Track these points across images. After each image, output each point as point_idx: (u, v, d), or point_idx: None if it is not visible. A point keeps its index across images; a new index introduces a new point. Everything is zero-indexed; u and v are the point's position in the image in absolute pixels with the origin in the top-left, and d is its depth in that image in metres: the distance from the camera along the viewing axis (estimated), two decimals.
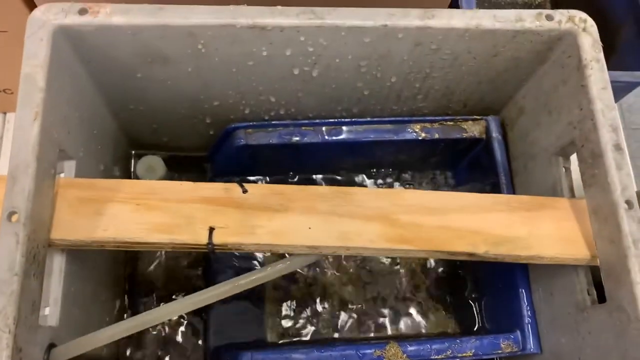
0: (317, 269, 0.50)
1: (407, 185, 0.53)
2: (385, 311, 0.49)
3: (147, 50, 0.36)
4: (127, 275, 0.49)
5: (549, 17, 0.36)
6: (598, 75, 0.35)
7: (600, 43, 0.36)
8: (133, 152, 0.51)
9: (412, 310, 0.49)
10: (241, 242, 0.34)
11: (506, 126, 0.47)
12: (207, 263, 0.48)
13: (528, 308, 0.42)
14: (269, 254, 0.49)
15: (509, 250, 0.35)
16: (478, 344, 0.41)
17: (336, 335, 0.48)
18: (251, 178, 0.51)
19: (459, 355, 0.41)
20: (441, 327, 0.49)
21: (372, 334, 0.48)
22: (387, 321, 0.49)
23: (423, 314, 0.49)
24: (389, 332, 0.49)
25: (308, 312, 0.48)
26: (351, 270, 0.50)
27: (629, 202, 0.33)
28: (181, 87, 0.41)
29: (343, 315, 0.49)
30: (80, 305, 0.38)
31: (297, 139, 0.44)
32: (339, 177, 0.53)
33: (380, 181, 0.53)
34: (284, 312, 0.48)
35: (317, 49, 0.37)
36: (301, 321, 0.48)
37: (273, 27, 0.35)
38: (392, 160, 0.51)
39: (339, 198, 0.36)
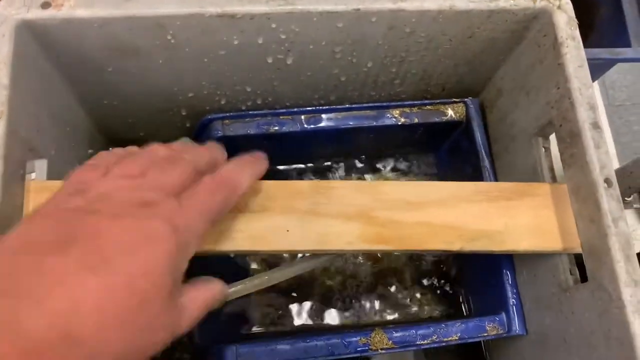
0: None
1: (390, 172, 0.53)
2: (371, 299, 0.49)
3: (116, 43, 0.35)
4: None
5: None
6: (574, 53, 0.35)
7: (575, 20, 0.36)
8: (110, 148, 0.50)
9: (398, 297, 0.49)
10: (219, 249, 0.33)
11: (486, 108, 0.47)
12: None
13: (513, 290, 0.42)
14: None
15: (484, 245, 0.35)
16: (463, 327, 0.41)
17: (322, 324, 0.48)
18: None
19: (445, 339, 0.40)
20: (427, 313, 0.49)
21: (358, 322, 0.48)
22: (372, 309, 0.49)
23: (409, 300, 0.49)
24: (375, 319, 0.49)
25: (294, 302, 0.48)
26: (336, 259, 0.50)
27: (607, 181, 0.33)
28: (154, 79, 0.40)
29: (329, 305, 0.48)
30: None
31: (276, 128, 0.44)
32: (319, 166, 0.52)
33: (361, 165, 0.53)
34: (270, 303, 0.48)
35: (290, 35, 0.36)
36: (287, 311, 0.48)
37: (243, 15, 0.34)
38: (372, 146, 0.51)
39: (319, 194, 0.35)
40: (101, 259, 0.22)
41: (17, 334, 0.20)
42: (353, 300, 0.49)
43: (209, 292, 0.29)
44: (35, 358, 0.20)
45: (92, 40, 0.35)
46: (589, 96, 0.34)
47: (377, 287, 0.49)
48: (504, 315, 0.42)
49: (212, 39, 0.36)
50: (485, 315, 0.42)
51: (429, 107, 0.45)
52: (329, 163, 0.53)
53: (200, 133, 0.45)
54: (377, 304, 0.49)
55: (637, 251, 0.36)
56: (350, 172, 0.53)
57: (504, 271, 0.43)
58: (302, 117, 0.44)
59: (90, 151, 0.45)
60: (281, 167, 0.52)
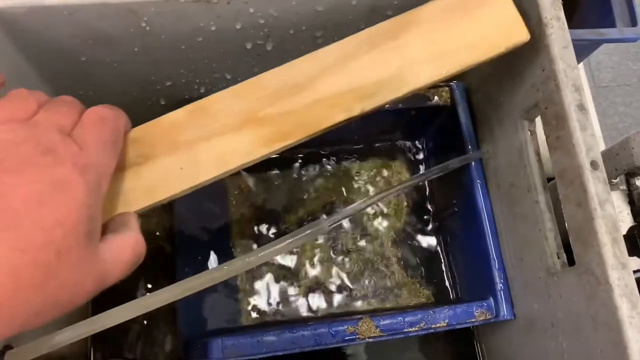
0: None
1: (377, 158, 0.52)
2: (358, 287, 0.49)
3: (88, 31, 0.34)
4: None
5: None
6: (559, 34, 0.34)
7: (560, 0, 0.35)
8: None
9: (386, 284, 0.49)
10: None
11: (471, 92, 0.46)
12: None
13: (500, 275, 0.42)
14: None
15: (385, 97, 0.33)
16: (451, 313, 0.41)
17: (309, 314, 0.47)
18: None
19: (433, 326, 0.40)
20: (415, 300, 0.49)
21: (345, 311, 0.48)
22: (359, 297, 0.48)
23: (396, 287, 0.49)
24: (363, 308, 0.48)
25: (280, 292, 0.48)
26: (322, 248, 0.49)
27: (594, 163, 0.32)
28: (130, 68, 0.39)
29: (315, 294, 0.48)
30: None
31: None
32: (302, 155, 0.51)
33: (346, 156, 0.52)
34: (256, 294, 0.47)
35: (269, 20, 0.35)
36: (274, 302, 0.47)
37: (219, 0, 0.33)
38: (359, 133, 0.50)
39: (199, 118, 0.33)
40: (12, 217, 0.21)
41: None
42: (340, 289, 0.48)
43: (131, 238, 0.28)
44: None
45: (62, 29, 0.33)
46: (574, 78, 0.34)
47: (364, 274, 0.49)
48: (492, 300, 0.42)
49: (188, 25, 0.35)
50: (473, 301, 0.42)
51: None
52: (315, 151, 0.52)
53: None
54: (364, 292, 0.49)
55: (624, 233, 0.36)
56: (341, 161, 0.52)
57: (491, 256, 0.43)
58: None
59: None
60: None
